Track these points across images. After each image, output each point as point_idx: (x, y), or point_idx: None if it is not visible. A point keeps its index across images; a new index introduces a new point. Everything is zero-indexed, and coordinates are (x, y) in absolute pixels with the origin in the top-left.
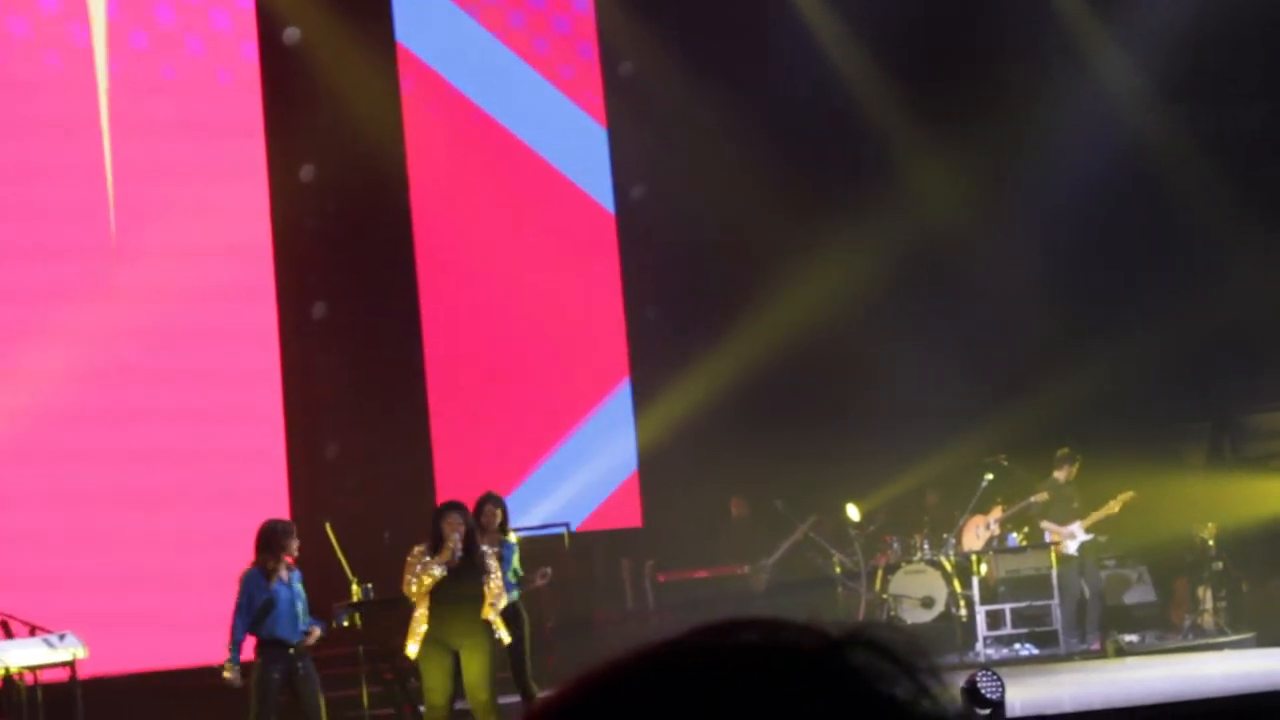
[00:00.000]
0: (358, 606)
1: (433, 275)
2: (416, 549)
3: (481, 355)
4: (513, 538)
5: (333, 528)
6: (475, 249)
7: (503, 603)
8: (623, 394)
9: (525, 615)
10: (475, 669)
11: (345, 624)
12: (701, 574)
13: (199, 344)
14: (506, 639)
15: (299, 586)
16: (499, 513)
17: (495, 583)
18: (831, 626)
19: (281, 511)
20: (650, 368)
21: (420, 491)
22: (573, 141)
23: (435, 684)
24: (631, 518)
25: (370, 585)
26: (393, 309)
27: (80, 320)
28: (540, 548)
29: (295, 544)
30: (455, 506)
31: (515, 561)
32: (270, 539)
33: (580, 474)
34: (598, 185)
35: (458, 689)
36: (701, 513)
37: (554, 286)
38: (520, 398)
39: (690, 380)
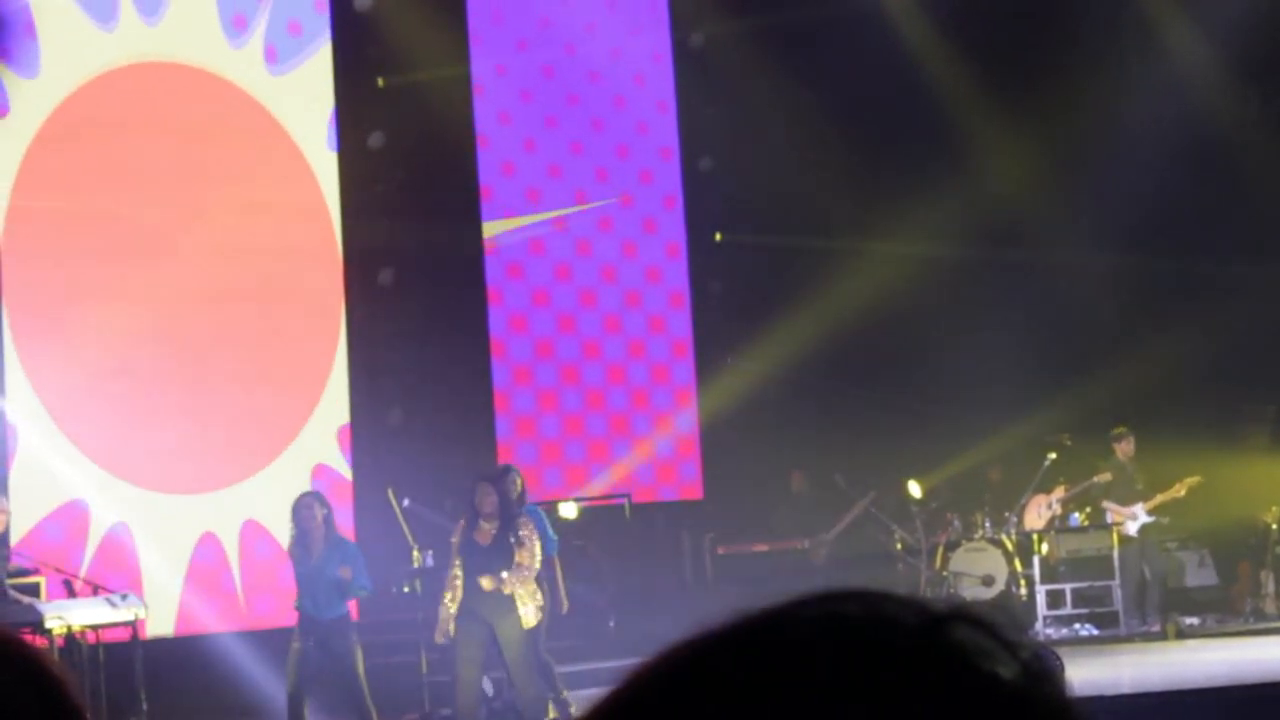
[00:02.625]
0: (418, 573)
1: (500, 239)
2: (456, 528)
3: (545, 325)
4: (539, 510)
5: (395, 494)
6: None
7: (534, 570)
8: (685, 366)
9: (546, 587)
10: (513, 644)
11: (405, 590)
12: (761, 547)
13: (265, 306)
14: (529, 620)
15: (332, 563)
16: (519, 482)
17: (528, 554)
18: (934, 601)
19: (344, 480)
20: (714, 340)
21: (482, 459)
22: (641, 113)
23: (467, 655)
24: (692, 490)
25: (431, 552)
26: (458, 276)
27: (152, 279)
28: (600, 518)
29: (315, 514)
30: (487, 477)
31: (550, 529)
32: (291, 512)
33: (642, 445)
34: (665, 156)
35: (490, 662)
36: (762, 486)
37: (619, 256)
38: (584, 369)
39: (753, 353)
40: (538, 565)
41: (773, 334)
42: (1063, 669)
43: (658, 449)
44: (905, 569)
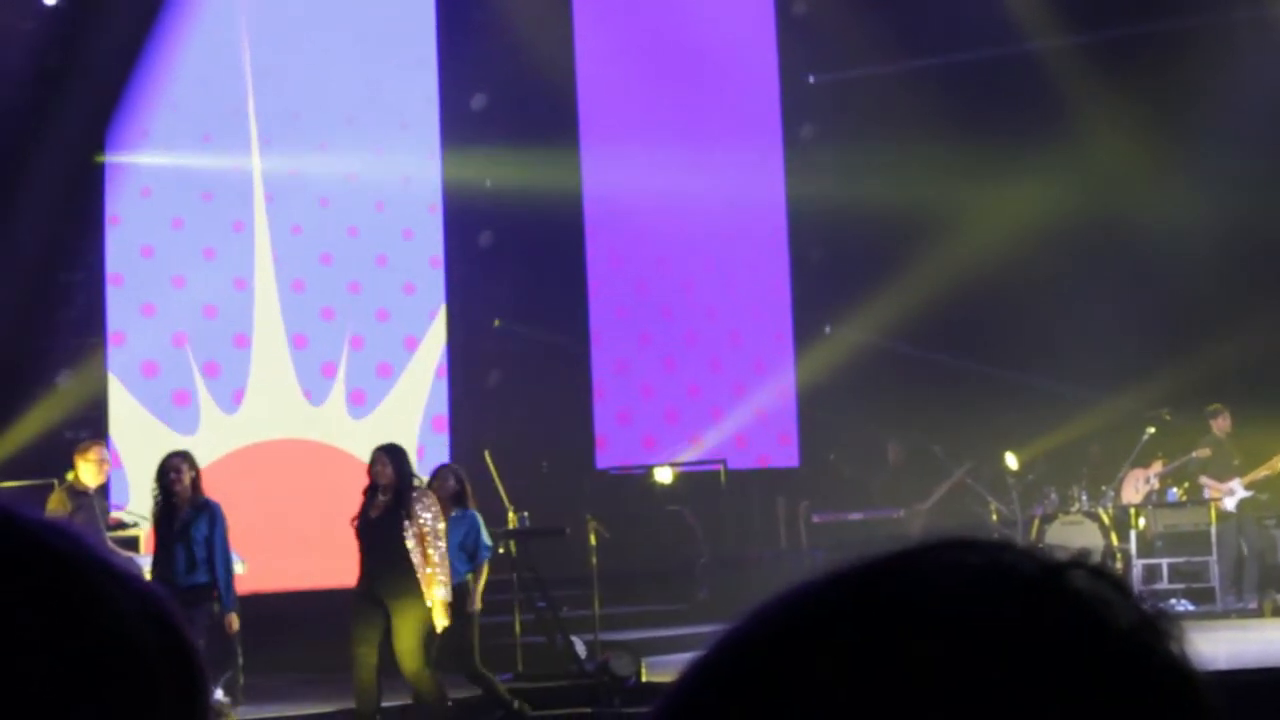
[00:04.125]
0: (513, 534)
1: (599, 207)
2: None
3: (644, 290)
4: (476, 514)
5: (491, 455)
6: (641, 183)
7: (442, 577)
8: (784, 333)
9: (474, 596)
10: (404, 634)
11: (500, 551)
12: (856, 516)
13: (366, 272)
14: (440, 623)
15: (199, 527)
16: (451, 480)
17: (435, 554)
18: (1056, 551)
19: (442, 439)
20: (813, 309)
21: (579, 423)
22: (744, 79)
23: (362, 635)
24: (789, 457)
25: (527, 514)
26: (558, 240)
27: (248, 248)
28: (696, 483)
29: (184, 475)
30: (385, 449)
31: (485, 535)
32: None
33: (739, 412)
34: (768, 124)
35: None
36: (858, 455)
37: (719, 223)
38: (681, 334)
39: (852, 322)
40: (436, 557)
41: (872, 303)
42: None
43: (755, 416)
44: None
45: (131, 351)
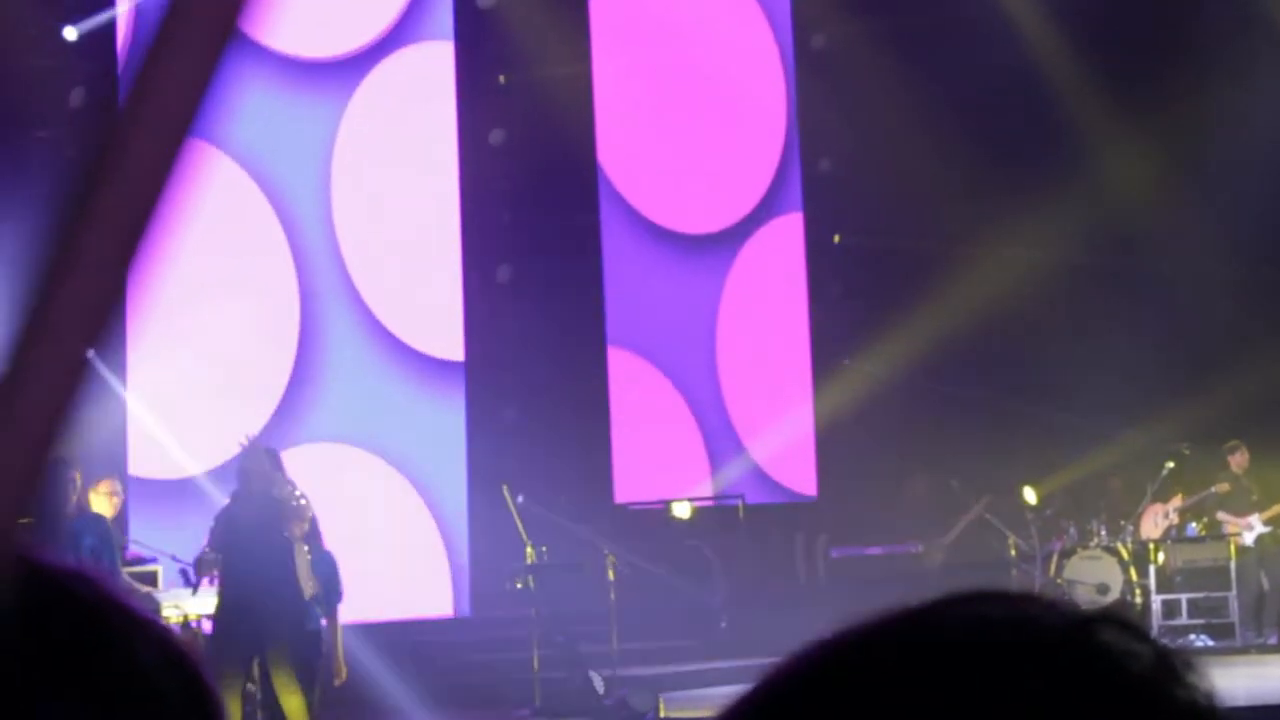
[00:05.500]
0: (531, 569)
1: (618, 243)
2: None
3: (662, 324)
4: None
5: (509, 491)
6: (662, 218)
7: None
8: (802, 367)
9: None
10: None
11: (519, 586)
12: (875, 551)
13: (385, 302)
14: None
15: (84, 538)
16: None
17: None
18: (1076, 605)
19: (459, 475)
20: (830, 342)
21: (597, 459)
22: (759, 114)
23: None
24: (806, 492)
25: (545, 549)
26: (577, 275)
27: (270, 276)
28: (714, 519)
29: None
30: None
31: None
32: None
33: (757, 446)
34: (784, 159)
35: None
36: (876, 489)
37: (739, 259)
38: (699, 367)
39: (870, 356)
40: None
41: (890, 336)
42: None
43: (772, 450)
44: (1019, 575)
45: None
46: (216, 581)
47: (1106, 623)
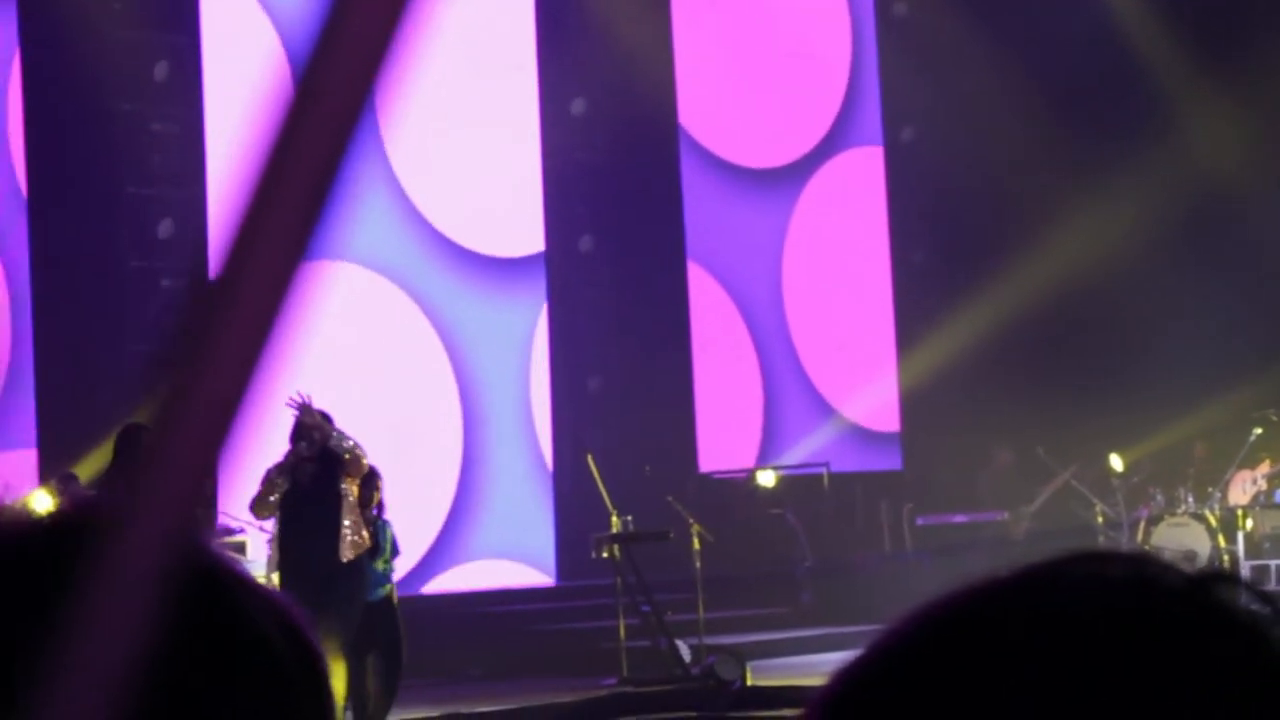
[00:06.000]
0: (617, 538)
1: (698, 210)
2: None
3: (747, 293)
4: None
5: (594, 459)
6: (743, 186)
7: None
8: (887, 336)
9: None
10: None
11: (604, 555)
12: (960, 519)
13: (467, 275)
14: None
15: None
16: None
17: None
18: (1194, 566)
19: (545, 444)
20: (915, 311)
21: (680, 428)
22: (843, 81)
23: None
24: (892, 460)
25: (630, 517)
26: (658, 245)
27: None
28: (798, 487)
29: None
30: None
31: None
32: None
33: (842, 414)
34: (867, 126)
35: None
36: (962, 457)
37: (821, 227)
38: (784, 337)
39: (955, 324)
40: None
41: (975, 304)
42: None
43: (858, 419)
44: (1106, 543)
45: None
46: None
47: (1225, 582)
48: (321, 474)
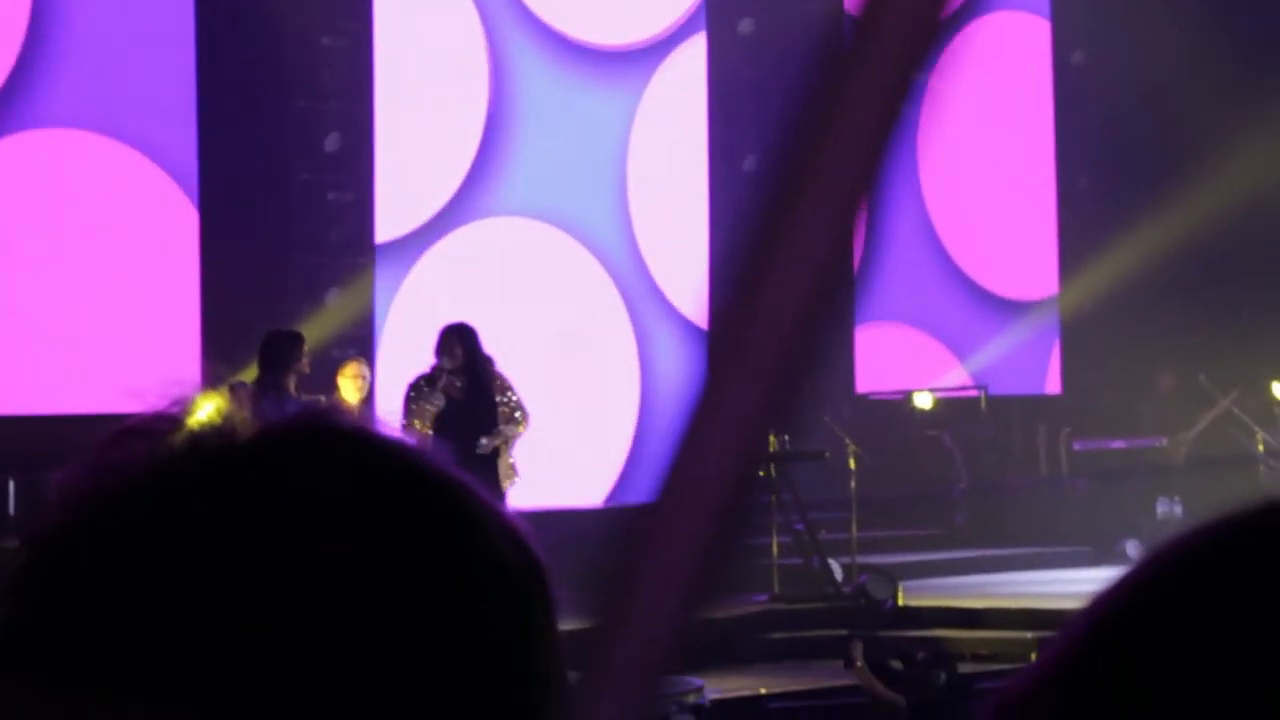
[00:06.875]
0: (773, 456)
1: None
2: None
3: (904, 214)
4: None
5: None
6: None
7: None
8: (1049, 260)
9: None
10: None
11: (760, 474)
12: (1118, 444)
13: (634, 191)
14: None
15: None
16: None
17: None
18: None
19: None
20: (1079, 235)
21: (840, 348)
22: (1012, 7)
23: None
24: (1051, 384)
25: (787, 436)
26: None
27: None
28: (956, 409)
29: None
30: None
31: None
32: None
33: (1002, 338)
34: (1036, 50)
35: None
36: (1122, 382)
37: (987, 149)
38: (943, 260)
39: (1118, 249)
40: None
41: (1139, 229)
42: None
43: (1018, 342)
44: (1266, 471)
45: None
46: None
47: None
48: (472, 389)
